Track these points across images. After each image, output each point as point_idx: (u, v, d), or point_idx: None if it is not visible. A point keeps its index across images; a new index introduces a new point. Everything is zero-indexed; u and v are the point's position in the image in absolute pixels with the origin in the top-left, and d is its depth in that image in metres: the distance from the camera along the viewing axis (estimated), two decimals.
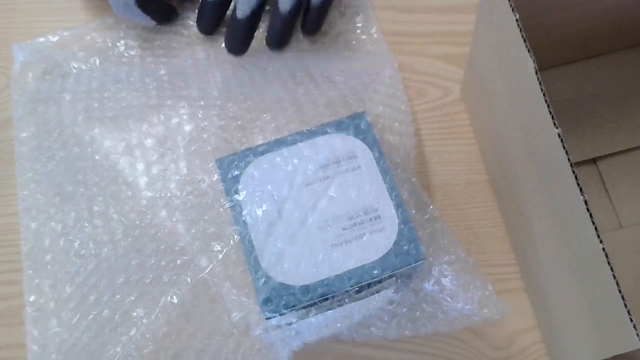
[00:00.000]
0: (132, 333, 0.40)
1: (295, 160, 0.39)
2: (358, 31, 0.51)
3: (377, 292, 0.38)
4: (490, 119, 0.44)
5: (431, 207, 0.42)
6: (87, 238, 0.44)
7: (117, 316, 0.41)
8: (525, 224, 0.41)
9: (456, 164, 0.48)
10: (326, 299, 0.37)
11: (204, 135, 0.45)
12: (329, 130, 0.40)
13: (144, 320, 0.41)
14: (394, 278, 0.38)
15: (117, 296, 0.42)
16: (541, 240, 0.39)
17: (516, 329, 0.43)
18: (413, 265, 0.37)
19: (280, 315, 0.36)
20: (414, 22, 0.52)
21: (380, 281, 0.37)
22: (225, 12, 0.49)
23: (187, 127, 0.46)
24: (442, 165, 0.48)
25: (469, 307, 0.40)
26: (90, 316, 0.42)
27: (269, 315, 0.36)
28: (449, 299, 0.40)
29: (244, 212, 0.38)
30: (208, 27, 0.49)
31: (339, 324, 0.38)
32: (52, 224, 0.44)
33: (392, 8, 0.53)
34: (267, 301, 0.36)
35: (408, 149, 0.45)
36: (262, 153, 0.39)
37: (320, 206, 0.38)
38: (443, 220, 0.42)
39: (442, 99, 0.50)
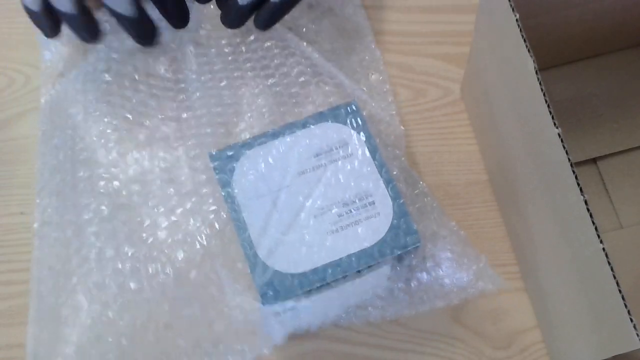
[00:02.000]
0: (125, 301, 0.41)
1: (289, 150, 0.40)
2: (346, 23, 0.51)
3: (373, 271, 0.38)
4: (490, 119, 0.44)
5: (421, 183, 0.42)
6: (97, 202, 0.44)
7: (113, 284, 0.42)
8: (525, 224, 0.41)
9: (456, 164, 0.48)
10: (324, 285, 0.37)
11: (203, 122, 0.46)
12: (319, 119, 0.40)
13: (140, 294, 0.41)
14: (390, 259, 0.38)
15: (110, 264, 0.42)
16: (541, 240, 0.39)
17: (516, 329, 0.43)
18: (408, 249, 0.37)
19: (277, 302, 0.37)
20: (414, 22, 0.52)
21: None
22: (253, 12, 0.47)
23: (185, 117, 0.46)
24: (442, 165, 0.48)
25: (464, 279, 0.41)
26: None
27: (266, 303, 0.36)
28: (443, 273, 0.41)
29: (239, 204, 0.38)
30: (236, 24, 0.47)
31: (336, 304, 0.39)
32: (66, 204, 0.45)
33: (391, 8, 0.53)
34: (265, 290, 0.37)
35: (398, 135, 0.46)
36: (255, 145, 0.40)
37: (315, 195, 0.38)
38: (433, 196, 0.42)
39: (442, 99, 0.50)
